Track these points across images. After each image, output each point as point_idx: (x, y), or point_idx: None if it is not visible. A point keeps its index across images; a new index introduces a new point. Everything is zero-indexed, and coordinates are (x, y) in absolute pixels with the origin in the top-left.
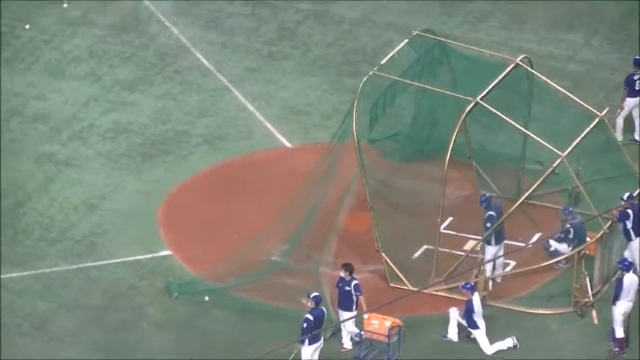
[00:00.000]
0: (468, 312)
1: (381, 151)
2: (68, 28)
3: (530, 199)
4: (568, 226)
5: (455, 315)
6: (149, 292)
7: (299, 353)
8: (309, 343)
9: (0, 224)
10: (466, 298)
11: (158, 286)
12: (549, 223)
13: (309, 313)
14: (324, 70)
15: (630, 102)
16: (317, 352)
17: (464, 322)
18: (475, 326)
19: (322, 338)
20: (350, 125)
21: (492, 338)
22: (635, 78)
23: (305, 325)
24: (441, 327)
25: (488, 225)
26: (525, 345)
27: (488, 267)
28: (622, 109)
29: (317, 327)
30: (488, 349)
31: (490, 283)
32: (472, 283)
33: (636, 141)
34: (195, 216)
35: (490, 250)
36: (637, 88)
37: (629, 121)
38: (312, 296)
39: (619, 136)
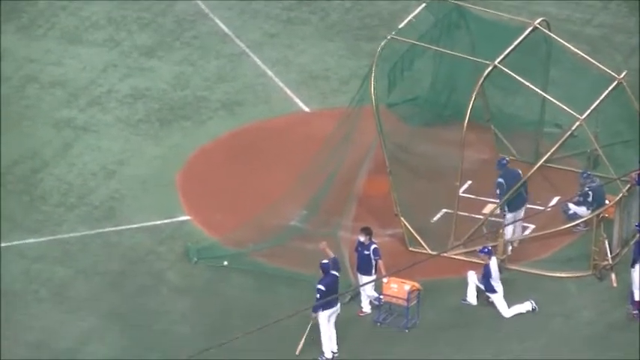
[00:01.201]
0: (485, 276)
1: (399, 116)
2: None
3: (548, 162)
4: (587, 189)
5: (473, 279)
6: (168, 257)
7: (316, 320)
8: (324, 309)
9: (17, 190)
10: (483, 261)
11: (177, 251)
12: (568, 186)
13: (320, 282)
14: (341, 35)
15: None
16: (333, 317)
17: (482, 287)
18: (493, 290)
19: (339, 304)
20: (368, 90)
21: (511, 301)
22: None
23: (318, 295)
24: (460, 290)
25: (498, 192)
26: (544, 308)
27: (508, 230)
28: None
29: (331, 293)
30: (507, 312)
31: (509, 246)
32: (489, 248)
33: None
34: (213, 181)
35: (507, 216)
36: None
37: None
38: (321, 264)
39: None
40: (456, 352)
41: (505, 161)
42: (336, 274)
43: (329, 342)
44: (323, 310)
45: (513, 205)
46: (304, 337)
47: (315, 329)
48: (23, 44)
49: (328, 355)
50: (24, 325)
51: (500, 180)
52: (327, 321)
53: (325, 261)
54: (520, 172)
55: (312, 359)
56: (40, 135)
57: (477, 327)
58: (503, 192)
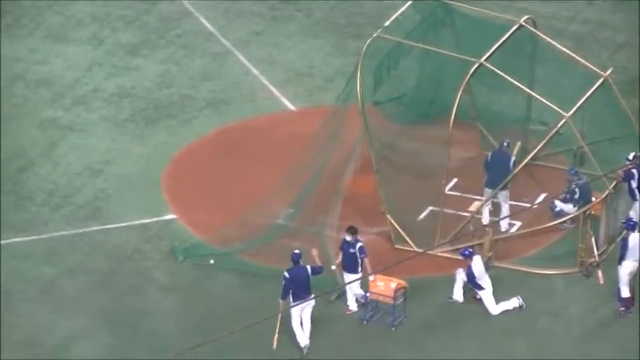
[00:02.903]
0: (470, 277)
1: (385, 114)
2: None
3: (535, 159)
4: (574, 186)
5: (461, 276)
6: (154, 256)
7: (285, 310)
8: (294, 301)
9: (2, 190)
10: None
11: (163, 250)
12: (555, 183)
13: (286, 270)
14: (327, 33)
15: None
16: (306, 311)
17: (470, 285)
18: (480, 288)
19: (311, 296)
20: (354, 88)
21: (498, 298)
22: None
23: (283, 282)
24: (447, 288)
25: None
26: (531, 305)
27: (484, 213)
28: None
29: (299, 285)
30: (494, 309)
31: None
32: (470, 250)
33: None
34: (199, 180)
35: (485, 189)
36: None
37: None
38: (291, 254)
39: None
40: (443, 349)
41: (505, 144)
42: (308, 267)
43: (302, 334)
44: (294, 300)
45: (490, 180)
46: (277, 328)
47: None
48: (8, 43)
49: (302, 344)
50: (11, 323)
51: (487, 155)
52: (299, 320)
53: (296, 251)
54: (512, 157)
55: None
56: (26, 134)
57: (463, 324)
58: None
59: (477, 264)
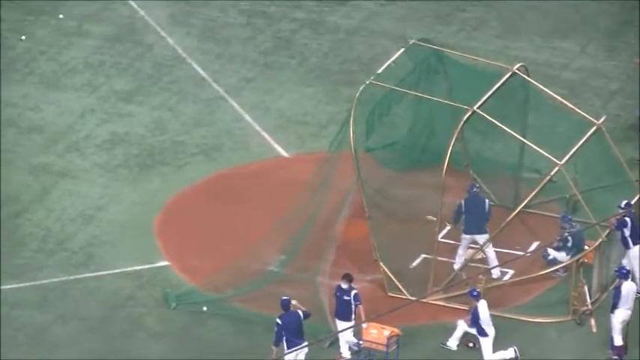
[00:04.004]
0: (474, 319)
1: (378, 160)
2: (64, 39)
3: (528, 207)
4: (566, 234)
5: (463, 327)
6: (147, 303)
7: (278, 356)
8: (288, 347)
9: None
10: (463, 307)
11: (156, 297)
12: (547, 231)
13: (278, 317)
14: (320, 80)
15: None
16: (302, 356)
17: (473, 331)
18: (484, 334)
19: (305, 343)
20: (347, 134)
21: (493, 347)
22: None
23: (275, 329)
24: (440, 335)
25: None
26: (524, 353)
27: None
28: None
29: (292, 331)
30: (490, 356)
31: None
32: (478, 290)
33: None
34: (192, 226)
35: (463, 236)
36: None
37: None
38: (280, 301)
39: None
40: None
41: (475, 189)
42: (300, 314)
43: None
44: (289, 347)
45: (467, 226)
46: None
47: None
48: (1, 88)
49: None
50: None
51: (461, 202)
52: None
53: (285, 297)
54: (487, 201)
55: None
56: (19, 180)
57: None
58: (458, 212)
59: (483, 307)
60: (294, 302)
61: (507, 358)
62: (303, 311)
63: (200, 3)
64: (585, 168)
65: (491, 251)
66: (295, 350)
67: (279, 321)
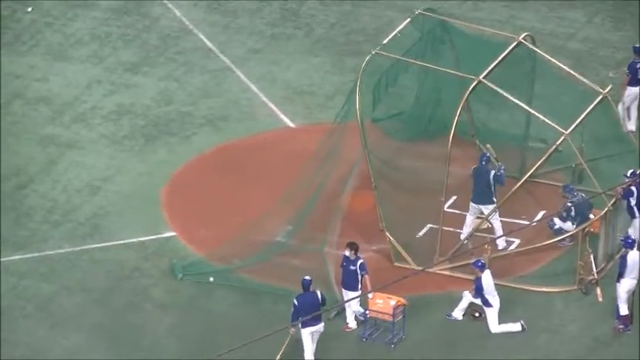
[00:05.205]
0: (478, 290)
1: (384, 131)
2: (70, 11)
3: (534, 177)
4: (568, 204)
5: (468, 298)
6: (153, 274)
7: (294, 337)
8: (303, 326)
9: (1, 207)
10: (469, 277)
11: (162, 268)
12: (553, 201)
13: (296, 297)
14: (326, 51)
15: (631, 92)
16: (316, 335)
17: (478, 302)
18: (488, 304)
19: (321, 322)
20: (353, 105)
21: (500, 318)
22: (638, 67)
23: (292, 309)
24: (446, 305)
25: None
26: (530, 323)
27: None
28: (623, 101)
29: (309, 311)
30: (496, 327)
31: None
32: (483, 261)
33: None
34: (198, 197)
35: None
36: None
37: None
38: (302, 280)
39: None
40: None
41: (483, 159)
42: (318, 294)
43: (312, 358)
44: (303, 327)
45: (474, 195)
46: (281, 352)
47: (299, 344)
48: (8, 60)
49: None
50: (10, 341)
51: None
52: (309, 338)
53: (307, 277)
54: (492, 172)
55: None
56: (25, 151)
57: (463, 342)
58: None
59: (487, 278)
60: (290, 331)
61: (513, 330)
62: (322, 293)
63: None
64: (591, 137)
65: (497, 222)
66: (312, 328)
67: (295, 302)
